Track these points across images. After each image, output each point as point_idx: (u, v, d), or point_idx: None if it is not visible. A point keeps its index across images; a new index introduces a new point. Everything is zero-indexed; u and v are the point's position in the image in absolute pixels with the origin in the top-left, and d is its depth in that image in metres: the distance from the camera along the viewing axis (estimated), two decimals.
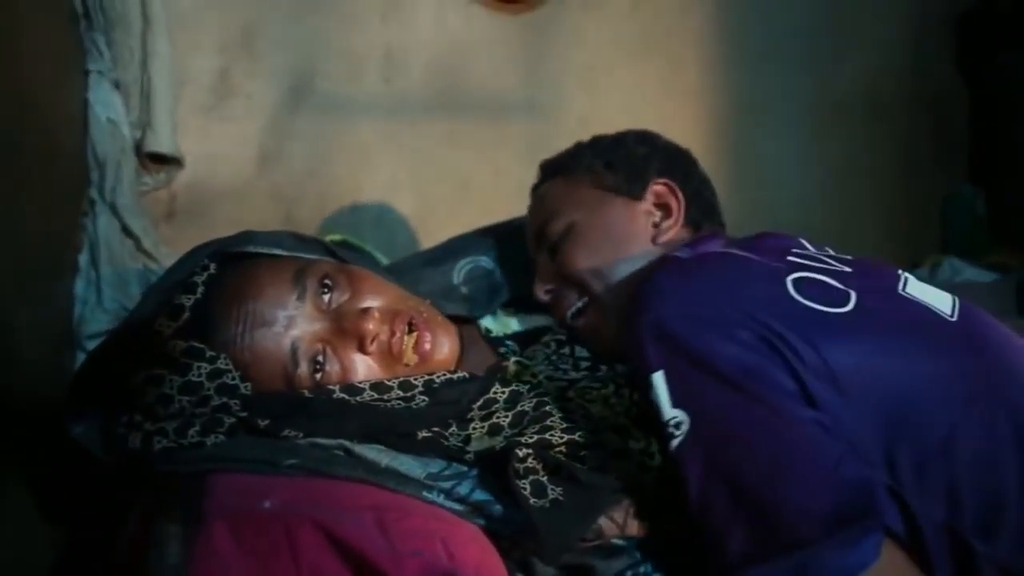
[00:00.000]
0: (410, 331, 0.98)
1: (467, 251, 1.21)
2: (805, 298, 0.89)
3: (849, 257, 1.01)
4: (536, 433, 0.92)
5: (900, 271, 1.00)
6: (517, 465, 0.86)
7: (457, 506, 0.85)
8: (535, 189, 1.21)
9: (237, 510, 0.78)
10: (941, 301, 0.95)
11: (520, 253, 1.20)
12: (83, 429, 0.94)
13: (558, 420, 0.94)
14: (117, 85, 1.53)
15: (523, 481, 0.85)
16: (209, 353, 0.92)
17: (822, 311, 0.88)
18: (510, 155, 1.90)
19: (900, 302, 0.94)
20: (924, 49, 2.11)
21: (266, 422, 0.89)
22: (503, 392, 0.98)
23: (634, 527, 0.87)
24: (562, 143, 1.94)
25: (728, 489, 0.81)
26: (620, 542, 0.86)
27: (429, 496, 0.85)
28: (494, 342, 1.09)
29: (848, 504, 0.77)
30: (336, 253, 1.07)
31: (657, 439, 0.93)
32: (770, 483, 0.80)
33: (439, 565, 0.75)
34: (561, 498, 0.85)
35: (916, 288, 0.97)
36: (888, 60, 2.10)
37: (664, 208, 1.12)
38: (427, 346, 0.98)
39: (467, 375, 1.00)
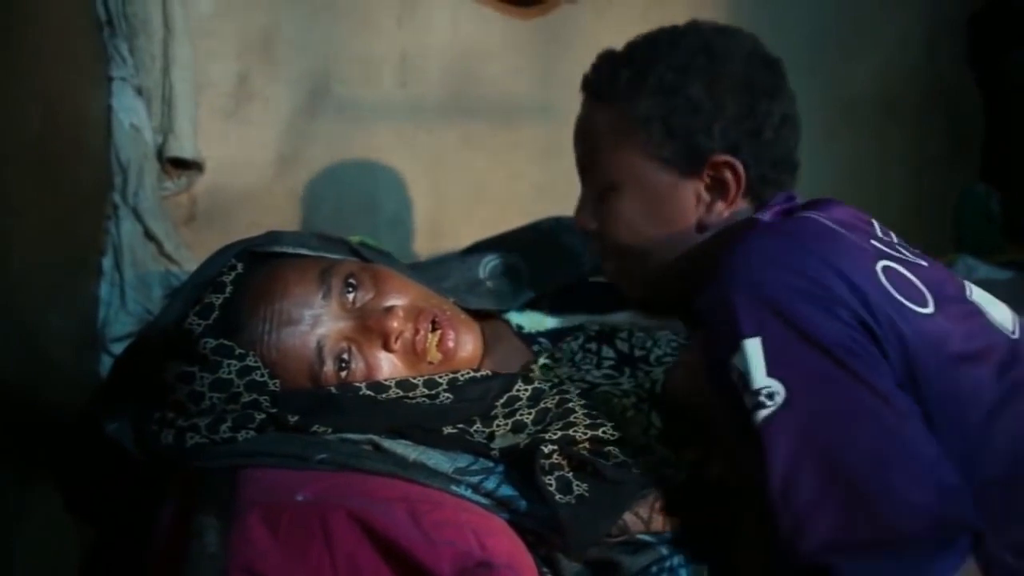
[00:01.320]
0: (434, 329, 1.00)
1: (493, 249, 1.22)
2: (895, 290, 0.84)
3: (916, 249, 0.96)
4: (560, 430, 0.93)
5: (958, 276, 0.96)
6: (543, 461, 0.87)
7: (484, 500, 0.87)
8: (586, 104, 1.08)
9: (272, 502, 0.80)
10: (1003, 316, 0.91)
11: (549, 253, 1.20)
12: (116, 426, 0.96)
13: (581, 416, 0.95)
14: (140, 91, 1.56)
15: (549, 477, 0.86)
16: (238, 351, 0.94)
17: (909, 307, 0.83)
18: (524, 158, 1.92)
19: (972, 315, 0.88)
20: (937, 48, 2.12)
21: (295, 418, 0.91)
22: (526, 389, 0.99)
23: (659, 522, 0.88)
24: None
25: (823, 467, 0.76)
26: (646, 538, 0.87)
27: (457, 490, 0.86)
28: (527, 339, 1.09)
29: (951, 505, 0.74)
30: (361, 253, 1.09)
31: (676, 449, 0.95)
32: (873, 467, 0.76)
33: (472, 555, 0.76)
34: (586, 494, 0.86)
35: (980, 297, 0.92)
36: (901, 59, 2.11)
37: (720, 186, 1.00)
38: (451, 344, 0.99)
39: (490, 373, 1.01)
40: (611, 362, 1.06)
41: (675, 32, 1.05)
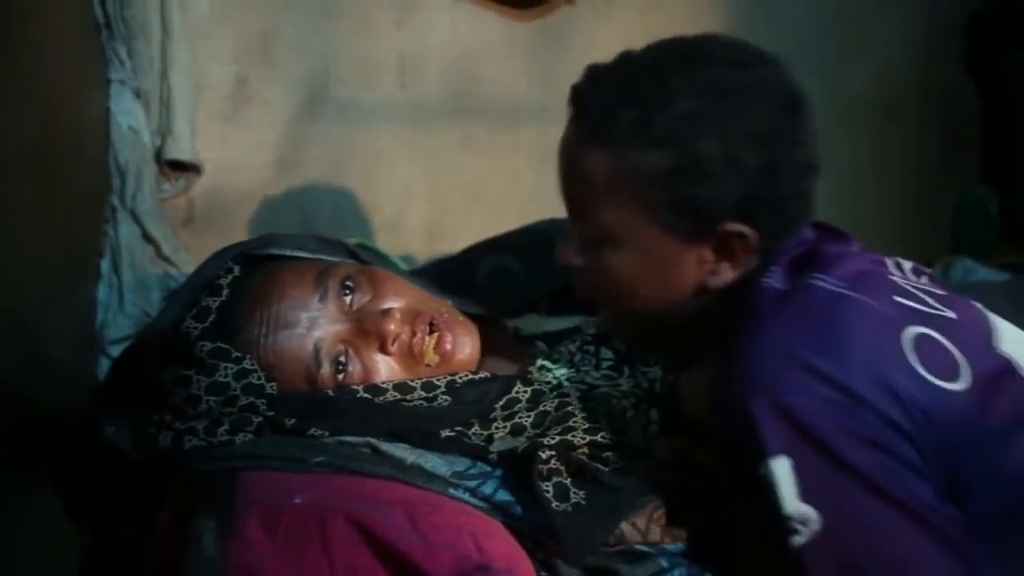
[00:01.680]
0: (431, 331, 0.99)
1: (490, 252, 1.22)
2: (925, 369, 0.78)
3: (941, 292, 0.88)
4: (559, 434, 0.93)
5: (985, 312, 0.89)
6: (541, 467, 0.87)
7: (481, 504, 0.87)
8: (576, 130, 0.91)
9: (269, 505, 0.80)
10: None
11: (544, 255, 1.19)
12: (114, 429, 0.96)
13: (580, 420, 0.95)
14: (138, 94, 1.56)
15: (546, 483, 0.86)
16: (235, 354, 0.94)
17: (940, 387, 0.77)
18: (523, 160, 1.92)
19: (1006, 373, 0.82)
20: (935, 50, 2.12)
21: (292, 421, 0.91)
22: (525, 392, 0.99)
23: (656, 533, 0.87)
24: None
25: None
26: (644, 548, 0.86)
27: (455, 493, 0.86)
28: (524, 341, 1.09)
29: None
30: (358, 255, 1.09)
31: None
32: None
33: (471, 558, 0.76)
34: (583, 502, 0.86)
35: (1011, 341, 0.86)
36: (899, 62, 2.11)
37: (727, 251, 0.88)
38: (448, 346, 0.99)
39: (489, 375, 1.01)
40: (610, 363, 1.06)
41: (686, 61, 0.89)
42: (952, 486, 0.76)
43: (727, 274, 0.89)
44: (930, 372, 0.78)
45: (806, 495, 0.75)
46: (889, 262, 0.91)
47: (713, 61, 0.88)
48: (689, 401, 0.95)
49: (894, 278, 0.87)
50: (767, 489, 0.76)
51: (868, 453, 0.74)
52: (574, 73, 1.87)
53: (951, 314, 0.84)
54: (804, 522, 0.75)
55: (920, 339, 0.79)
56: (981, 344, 0.83)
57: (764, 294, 0.83)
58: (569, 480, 0.87)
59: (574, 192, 0.93)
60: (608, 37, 1.94)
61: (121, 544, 1.02)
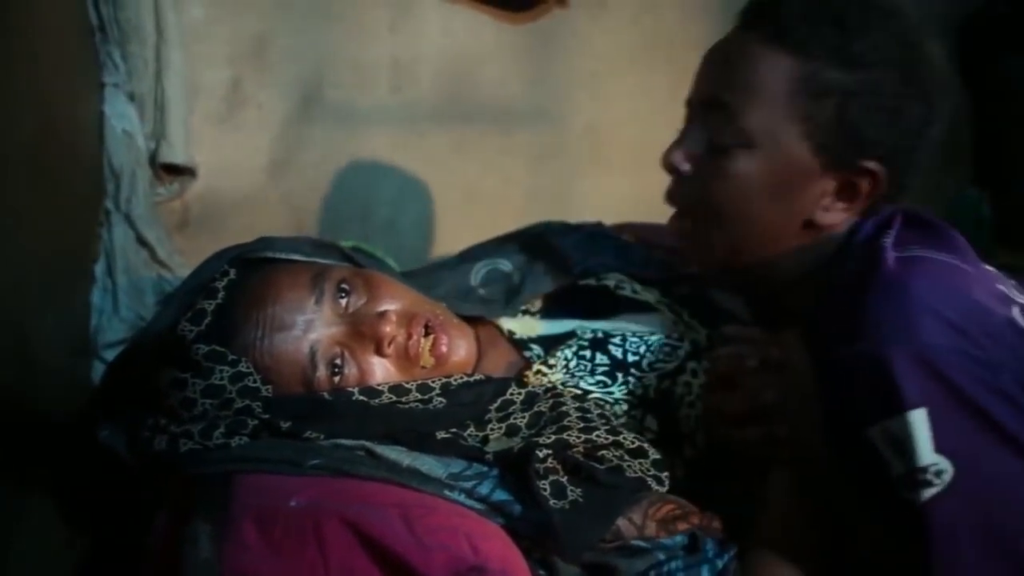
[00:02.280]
0: (427, 334, 1.00)
1: (485, 255, 1.22)
2: None
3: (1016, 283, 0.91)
4: (554, 434, 0.93)
5: None
6: (537, 466, 0.87)
7: (478, 505, 0.87)
8: (749, 31, 0.92)
9: (265, 508, 0.80)
10: None
11: (538, 257, 1.19)
12: (109, 432, 0.96)
13: (575, 420, 0.95)
14: (132, 97, 1.55)
15: (543, 482, 0.86)
16: (231, 357, 0.94)
17: None
18: (518, 163, 1.92)
19: None
20: None
21: (288, 424, 0.91)
22: (520, 393, 0.99)
23: (652, 528, 0.88)
24: (569, 150, 1.97)
25: (997, 554, 0.75)
26: (641, 543, 0.87)
27: (451, 495, 0.86)
28: (519, 345, 1.10)
29: None
30: (353, 258, 1.09)
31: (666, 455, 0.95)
32: None
33: (466, 559, 0.76)
34: (580, 500, 0.86)
35: None
36: None
37: (850, 190, 0.91)
38: (444, 348, 0.99)
39: (484, 377, 1.01)
40: (604, 368, 1.06)
41: (885, 6, 0.92)
42: None
43: (837, 216, 0.92)
44: None
45: (942, 445, 0.75)
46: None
47: (906, 17, 0.92)
48: (756, 378, 0.92)
49: (989, 267, 0.91)
50: (891, 444, 0.76)
51: (1000, 401, 0.76)
52: (568, 75, 1.86)
53: None
54: (938, 473, 0.75)
55: (1020, 311, 0.83)
56: None
57: (886, 253, 0.85)
58: (566, 478, 0.88)
59: (727, 91, 0.91)
60: (601, 39, 1.94)
61: (117, 547, 1.02)
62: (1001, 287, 0.87)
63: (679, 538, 0.87)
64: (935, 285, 0.81)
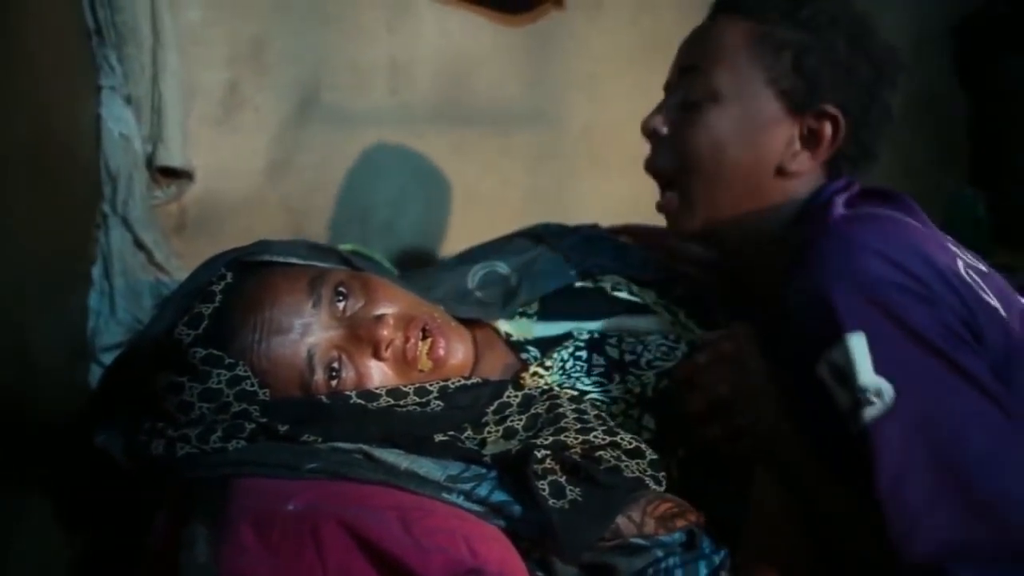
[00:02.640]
0: (424, 337, 1.00)
1: (482, 257, 1.22)
2: (981, 290, 0.84)
3: (975, 254, 0.96)
4: (552, 435, 0.93)
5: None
6: (536, 466, 0.87)
7: (477, 507, 0.87)
8: (715, 14, 1.07)
9: (262, 511, 0.80)
10: None
11: (534, 260, 1.19)
12: (105, 436, 0.96)
13: (572, 421, 0.95)
14: (129, 100, 1.55)
15: (542, 482, 0.86)
16: (228, 360, 0.94)
17: (991, 304, 0.84)
18: (516, 164, 1.92)
19: None
20: (924, 54, 2.13)
21: (285, 427, 0.91)
22: (516, 396, 0.99)
23: (651, 526, 0.88)
24: (567, 152, 1.97)
25: (935, 467, 0.76)
26: (640, 541, 0.87)
27: (449, 498, 0.86)
28: (515, 347, 1.10)
29: None
30: (351, 262, 1.09)
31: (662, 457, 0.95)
32: (987, 469, 0.75)
33: (464, 561, 0.76)
34: (579, 499, 0.86)
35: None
36: None
37: (814, 138, 1.00)
38: (441, 352, 0.99)
39: (481, 380, 1.01)
40: (601, 369, 1.06)
41: None
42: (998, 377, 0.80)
43: (804, 163, 1.00)
44: (981, 290, 0.84)
45: (881, 365, 0.78)
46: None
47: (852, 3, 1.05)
48: (708, 373, 0.95)
49: (937, 230, 0.97)
50: (836, 375, 0.79)
51: (938, 328, 0.79)
52: (565, 77, 1.86)
53: (984, 268, 0.92)
54: (878, 393, 0.78)
55: (967, 266, 0.87)
56: (1006, 293, 0.91)
57: (835, 208, 0.93)
58: (564, 478, 0.88)
59: (697, 54, 1.04)
60: (598, 40, 1.95)
61: (114, 550, 1.02)
62: (950, 245, 0.91)
63: (677, 535, 0.87)
64: (879, 231, 0.85)
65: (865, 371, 0.79)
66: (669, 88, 1.08)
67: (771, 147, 1.00)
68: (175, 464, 0.90)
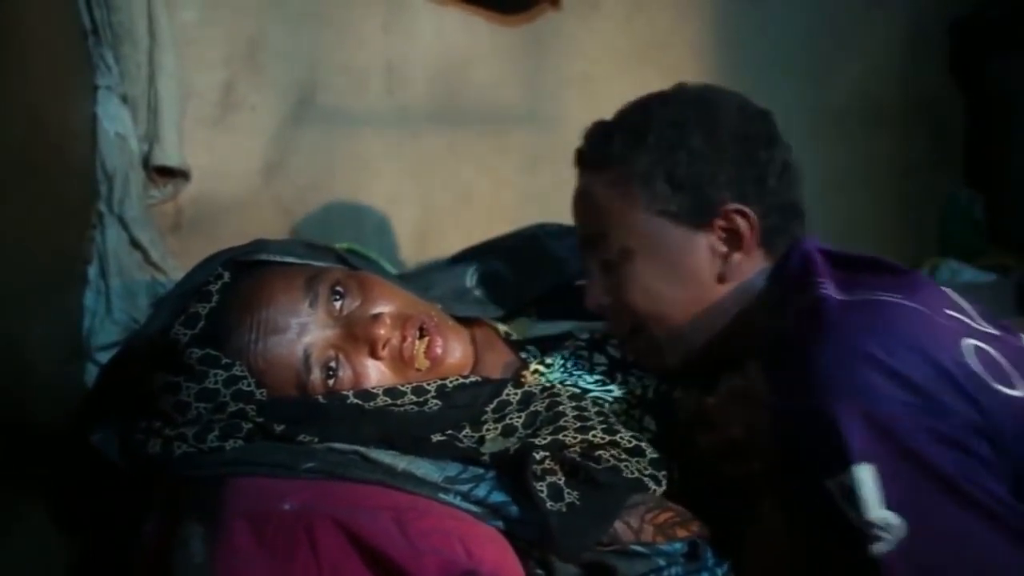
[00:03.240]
0: (421, 336, 1.00)
1: (480, 256, 1.22)
2: (988, 376, 0.80)
3: (979, 310, 0.91)
4: (550, 434, 0.93)
5: (1012, 328, 0.91)
6: (535, 467, 0.87)
7: (475, 508, 0.87)
8: (582, 176, 1.05)
9: (258, 511, 0.80)
10: None
11: (533, 259, 1.19)
12: (101, 436, 0.96)
13: (571, 420, 0.95)
14: (125, 100, 1.55)
15: (540, 483, 0.86)
16: (224, 360, 0.94)
17: (1004, 393, 0.80)
18: (511, 165, 1.92)
19: None
20: (919, 55, 2.14)
21: (281, 427, 0.91)
22: (516, 394, 0.99)
23: (648, 533, 0.88)
24: (562, 152, 1.96)
25: None
26: (637, 548, 0.87)
27: (446, 498, 0.86)
28: (515, 346, 1.10)
29: None
30: (348, 260, 1.09)
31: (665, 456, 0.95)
32: None
33: (458, 563, 0.76)
34: (577, 502, 0.86)
35: None
36: (883, 67, 2.12)
37: (733, 236, 0.97)
38: (439, 350, 0.99)
39: (480, 379, 1.01)
40: (603, 368, 1.06)
41: (663, 94, 1.04)
42: (1020, 487, 0.77)
43: (743, 266, 0.97)
44: (992, 379, 0.80)
45: (891, 501, 0.75)
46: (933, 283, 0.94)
47: (685, 90, 1.04)
48: (722, 413, 0.95)
49: (945, 290, 0.91)
50: (845, 496, 0.76)
51: (949, 454, 0.75)
52: (560, 78, 1.86)
53: (996, 332, 0.87)
54: (887, 529, 0.75)
55: (976, 350, 0.82)
56: (1021, 358, 0.85)
57: (827, 303, 0.84)
58: (563, 480, 0.88)
59: (588, 222, 1.03)
60: (593, 41, 1.95)
61: (109, 551, 1.01)
62: (953, 314, 0.87)
63: (678, 545, 0.87)
64: (878, 334, 0.80)
65: (874, 505, 0.75)
66: (584, 255, 1.05)
67: (699, 267, 0.98)
68: (171, 463, 0.90)
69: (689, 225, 0.98)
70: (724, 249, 0.98)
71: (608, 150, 1.00)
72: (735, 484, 0.93)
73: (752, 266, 0.98)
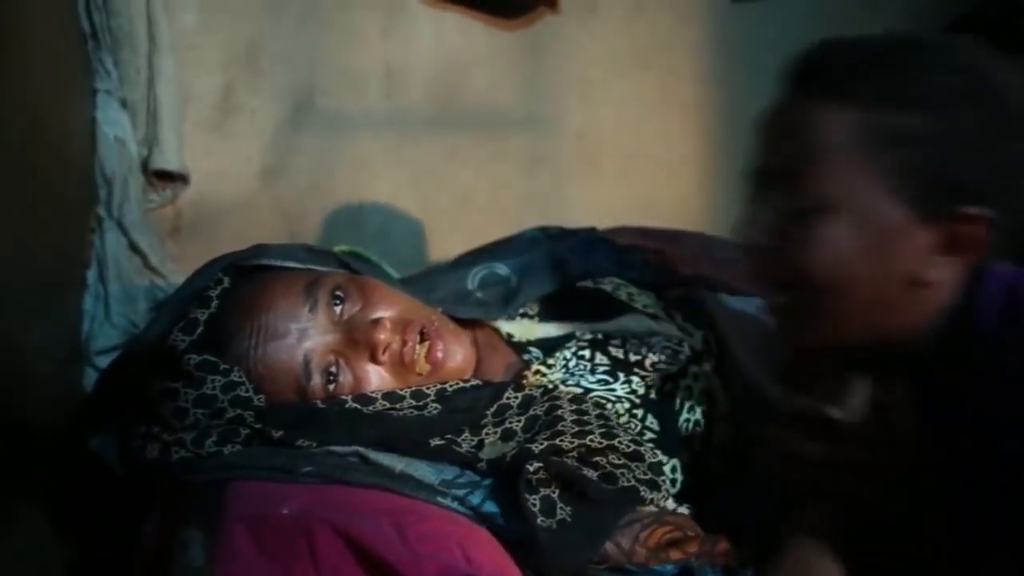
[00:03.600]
0: (422, 340, 0.99)
1: (481, 259, 1.21)
2: None
3: None
4: (547, 439, 0.92)
5: None
6: (530, 477, 0.87)
7: (469, 514, 0.87)
8: (800, 95, 0.85)
9: (256, 515, 0.80)
10: None
11: (535, 260, 1.19)
12: (100, 440, 0.96)
13: (570, 424, 0.94)
14: (124, 104, 1.55)
15: (534, 496, 0.86)
16: (223, 366, 0.94)
17: None
18: (510, 168, 1.92)
19: None
20: None
21: (280, 433, 0.91)
22: (516, 397, 0.98)
23: (641, 555, 0.88)
24: (561, 156, 1.97)
25: None
26: (632, 568, 0.86)
27: (444, 502, 0.86)
28: (517, 348, 1.09)
29: None
30: (349, 265, 1.09)
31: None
32: None
33: (457, 567, 0.76)
34: (569, 519, 0.86)
35: None
36: None
37: (955, 242, 0.81)
38: (439, 355, 0.99)
39: (480, 383, 1.01)
40: (606, 368, 1.05)
41: (938, 41, 0.86)
42: None
43: (943, 271, 0.82)
44: None
45: None
46: None
47: (966, 43, 0.86)
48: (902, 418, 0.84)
49: None
50: None
51: None
52: (559, 81, 1.85)
53: None
54: None
55: None
56: None
57: None
58: (557, 494, 0.87)
59: (789, 157, 0.85)
60: (592, 45, 1.95)
61: (109, 554, 1.01)
62: None
63: (669, 567, 0.87)
64: None
65: None
66: (757, 184, 0.88)
67: (902, 259, 0.81)
68: (169, 468, 0.90)
69: (915, 213, 0.81)
70: (935, 251, 0.82)
71: (862, 86, 0.81)
72: (818, 491, 0.85)
73: (951, 275, 0.83)
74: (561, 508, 0.86)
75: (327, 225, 1.80)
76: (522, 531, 0.85)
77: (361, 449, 0.89)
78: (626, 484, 0.90)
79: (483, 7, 1.86)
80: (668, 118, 1.99)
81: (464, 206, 1.89)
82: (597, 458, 0.91)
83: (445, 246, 1.83)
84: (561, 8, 1.90)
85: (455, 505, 0.87)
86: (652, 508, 0.92)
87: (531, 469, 0.87)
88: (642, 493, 0.91)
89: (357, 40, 1.81)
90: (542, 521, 0.85)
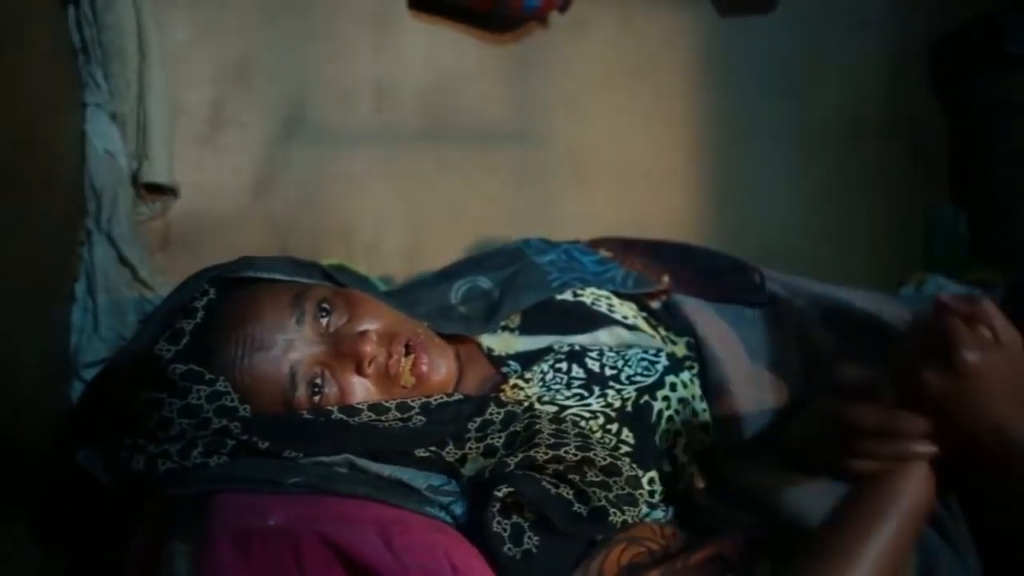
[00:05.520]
0: (407, 353, 1.00)
1: (463, 273, 1.22)
2: None
3: None
4: (523, 451, 0.92)
5: None
6: (504, 500, 0.87)
7: (454, 523, 0.87)
8: None
9: (242, 527, 0.80)
10: None
11: (517, 273, 1.20)
12: (86, 453, 0.96)
13: (546, 437, 0.94)
14: (114, 117, 1.55)
15: (505, 521, 0.87)
16: (208, 376, 0.94)
17: None
18: (500, 183, 1.93)
19: None
20: (902, 74, 2.16)
21: (266, 444, 0.91)
22: (499, 413, 0.99)
23: None
24: (551, 170, 1.98)
25: None
26: None
27: (431, 511, 0.86)
28: (496, 361, 1.10)
29: None
30: (335, 277, 1.09)
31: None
32: None
33: None
34: (535, 550, 0.86)
35: None
36: (867, 85, 2.14)
37: None
38: (424, 368, 1.00)
39: (463, 396, 1.01)
40: (581, 382, 1.06)
41: None
42: None
43: None
44: None
45: None
46: None
47: None
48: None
49: None
50: None
51: None
52: (549, 96, 1.86)
53: None
54: None
55: None
56: None
57: None
58: (527, 524, 0.88)
59: None
60: (582, 60, 1.96)
61: (96, 567, 1.01)
62: None
63: None
64: None
65: None
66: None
67: None
68: (156, 480, 0.90)
69: None
70: None
71: None
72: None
73: None
74: (529, 538, 0.87)
75: (317, 239, 1.80)
76: (487, 551, 0.86)
77: (350, 456, 0.90)
78: (596, 504, 0.90)
79: (473, 22, 1.87)
80: (658, 133, 2.00)
81: (453, 220, 1.89)
82: (572, 475, 0.91)
83: (434, 259, 1.83)
84: (550, 24, 1.92)
85: (441, 514, 0.87)
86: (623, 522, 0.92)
87: (500, 495, 0.87)
88: (611, 518, 0.90)
89: (348, 54, 1.81)
90: (508, 549, 0.86)
